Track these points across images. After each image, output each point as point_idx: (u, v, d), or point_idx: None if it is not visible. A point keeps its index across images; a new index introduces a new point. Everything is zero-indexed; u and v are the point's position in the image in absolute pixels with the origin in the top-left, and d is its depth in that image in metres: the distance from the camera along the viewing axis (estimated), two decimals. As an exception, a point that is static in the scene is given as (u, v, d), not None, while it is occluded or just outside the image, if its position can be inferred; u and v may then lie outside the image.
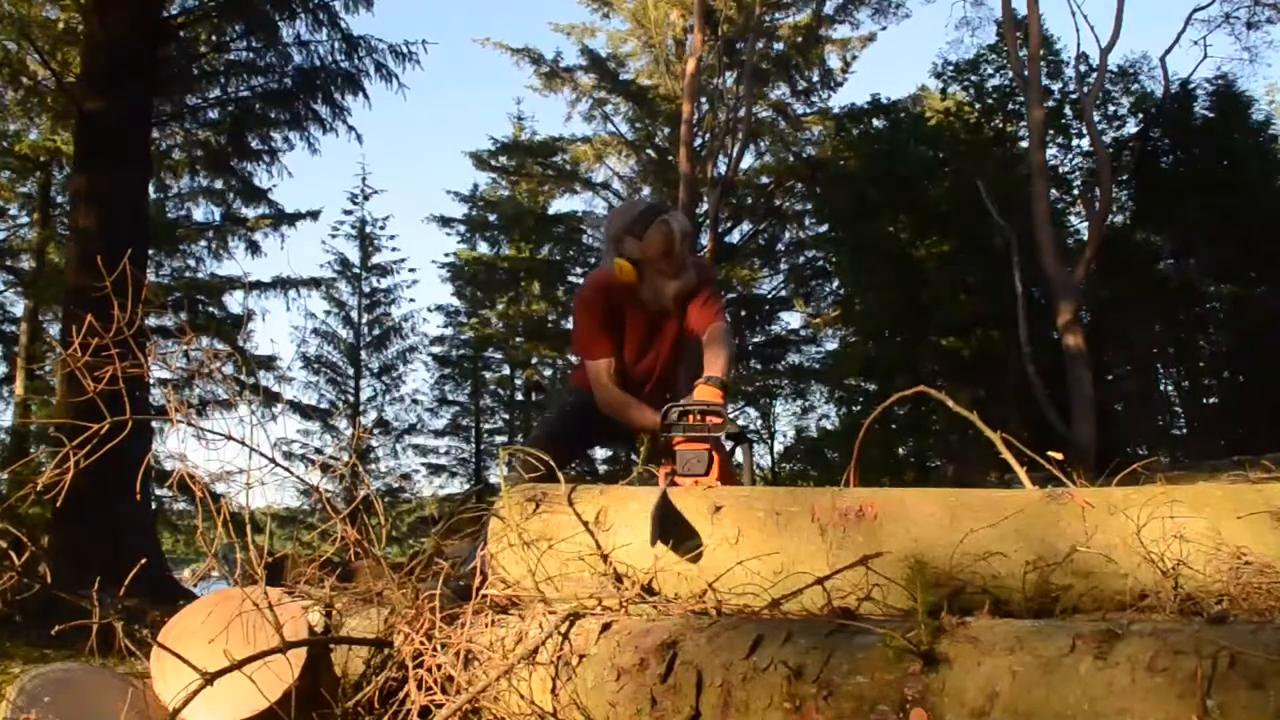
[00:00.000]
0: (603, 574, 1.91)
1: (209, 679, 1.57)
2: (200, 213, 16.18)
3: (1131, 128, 18.61)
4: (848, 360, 17.83)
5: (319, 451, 21.58)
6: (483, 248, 23.37)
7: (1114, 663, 1.09)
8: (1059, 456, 2.02)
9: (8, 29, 10.31)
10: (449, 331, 23.86)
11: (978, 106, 18.06)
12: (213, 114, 11.58)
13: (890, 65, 54.37)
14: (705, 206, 19.66)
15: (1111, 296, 17.56)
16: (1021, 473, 2.09)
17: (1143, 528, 1.67)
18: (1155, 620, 1.49)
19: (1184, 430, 19.12)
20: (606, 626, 1.60)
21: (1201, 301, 18.45)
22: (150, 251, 13.05)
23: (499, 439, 23.60)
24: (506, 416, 24.03)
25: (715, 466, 2.45)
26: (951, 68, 18.40)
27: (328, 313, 22.09)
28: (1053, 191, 16.54)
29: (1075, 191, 18.87)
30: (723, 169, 19.96)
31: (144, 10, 8.67)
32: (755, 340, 23.59)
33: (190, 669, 1.58)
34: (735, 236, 22.34)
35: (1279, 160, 17.78)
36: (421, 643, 1.74)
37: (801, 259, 22.80)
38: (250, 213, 15.92)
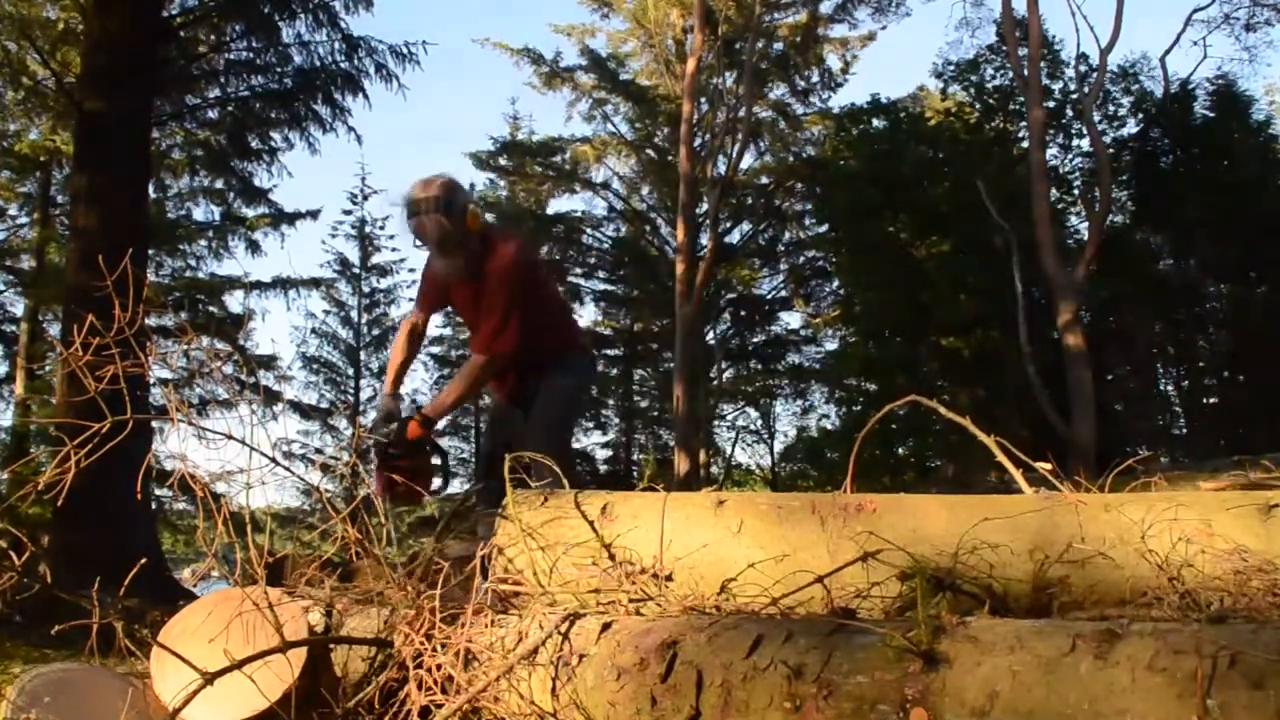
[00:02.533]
0: (605, 569, 1.92)
1: (209, 679, 1.57)
2: (200, 213, 16.19)
3: (1131, 128, 18.64)
4: (848, 360, 17.82)
5: (319, 451, 21.60)
6: (482, 248, 23.35)
7: (1114, 662, 1.09)
8: (1048, 466, 2.04)
9: (8, 29, 10.31)
10: (449, 331, 23.88)
11: (978, 106, 18.06)
12: (213, 114, 11.57)
13: (890, 65, 54.33)
14: (705, 206, 19.66)
15: (1111, 296, 17.56)
16: (1018, 475, 2.10)
17: (1139, 524, 1.67)
18: (1155, 619, 1.49)
19: (1184, 430, 19.12)
20: (606, 626, 1.60)
21: (1201, 301, 18.45)
22: (150, 251, 13.06)
23: (499, 439, 23.56)
24: (506, 417, 23.99)
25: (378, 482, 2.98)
26: (951, 68, 18.42)
27: (327, 313, 22.12)
28: (1053, 191, 16.54)
29: (1075, 191, 18.87)
30: (723, 169, 19.96)
31: (144, 10, 8.67)
32: (755, 340, 23.60)
33: (190, 669, 1.58)
34: (735, 236, 22.36)
35: (1279, 160, 17.77)
36: (421, 643, 1.74)
37: (801, 259, 22.80)
38: (250, 212, 15.91)
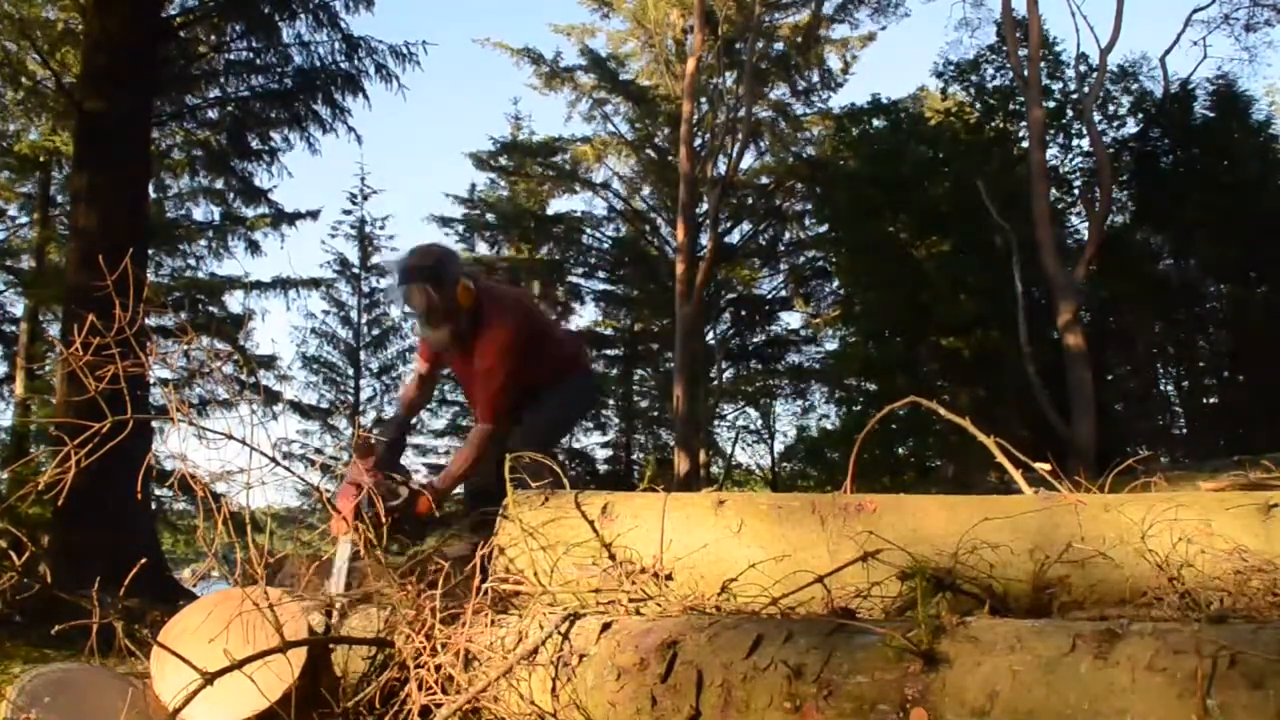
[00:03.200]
0: (605, 569, 1.92)
1: (209, 679, 1.57)
2: (200, 213, 16.17)
3: (1131, 128, 18.64)
4: (848, 360, 17.82)
5: (319, 451, 21.60)
6: (482, 248, 23.37)
7: (1114, 662, 1.09)
8: (1047, 467, 2.04)
9: (8, 29, 10.31)
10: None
11: (978, 106, 18.05)
12: (213, 114, 11.57)
13: (890, 65, 54.36)
14: (705, 206, 19.66)
15: (1111, 296, 17.56)
16: (1017, 476, 2.10)
17: (1139, 524, 1.67)
18: (1155, 619, 1.49)
19: (1184, 430, 19.12)
20: (607, 626, 1.60)
21: (1201, 301, 18.45)
22: (150, 251, 13.05)
23: (499, 439, 23.57)
24: (506, 416, 23.99)
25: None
26: (952, 68, 18.41)
27: (327, 313, 22.09)
28: (1053, 191, 16.54)
29: (1075, 191, 18.88)
30: (723, 169, 19.95)
31: (144, 10, 8.67)
32: (755, 340, 23.59)
33: (190, 669, 1.58)
34: (735, 236, 22.34)
35: (1279, 160, 17.77)
36: (421, 642, 1.74)
37: (801, 259, 22.79)
38: (250, 212, 15.90)
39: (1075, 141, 18.41)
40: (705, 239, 19.37)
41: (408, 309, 3.07)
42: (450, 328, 3.04)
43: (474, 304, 3.07)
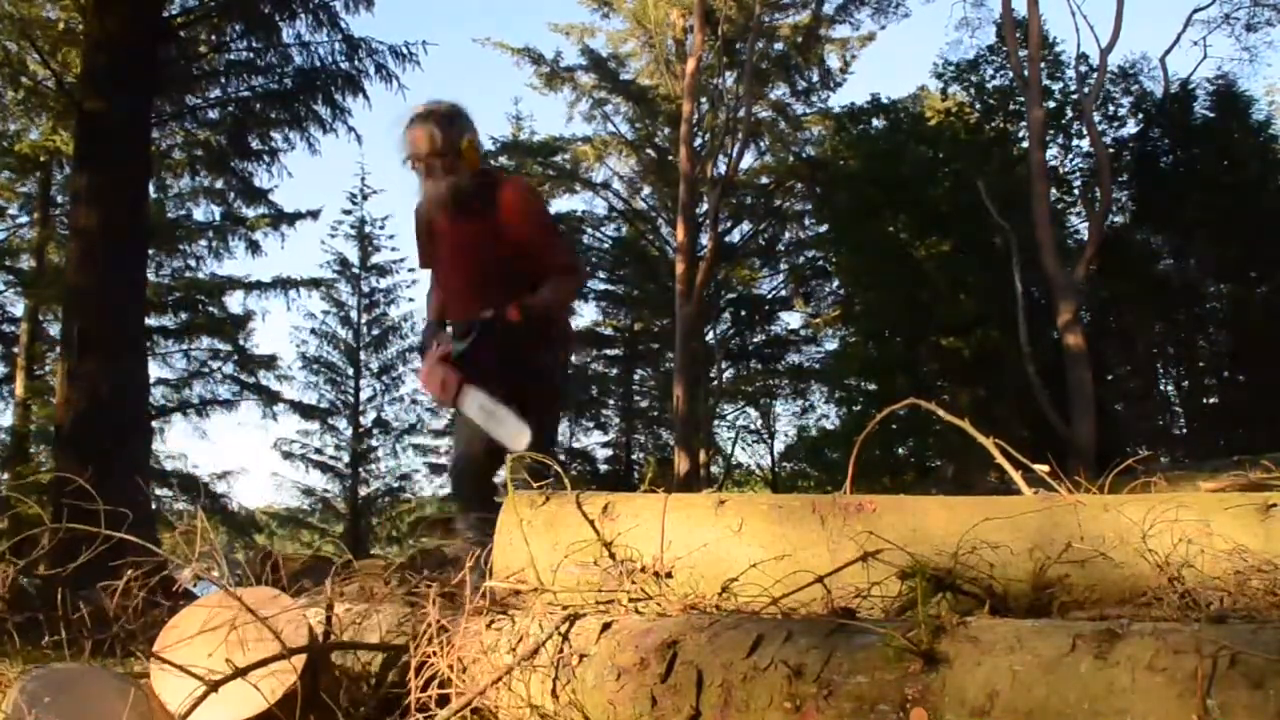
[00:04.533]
0: (606, 568, 1.92)
1: (212, 686, 1.57)
2: (200, 213, 16.21)
3: (1131, 128, 18.64)
4: (848, 360, 17.83)
5: (319, 451, 21.59)
6: (482, 248, 23.36)
7: (1114, 662, 1.09)
8: (1046, 469, 2.04)
9: (8, 29, 10.31)
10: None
11: (978, 107, 18.05)
12: (213, 114, 11.58)
13: (890, 65, 54.34)
14: (705, 206, 19.66)
15: (1111, 296, 17.56)
16: (1017, 477, 2.10)
17: (1139, 524, 1.67)
18: (1155, 619, 1.49)
19: (1184, 430, 19.11)
20: (607, 626, 1.60)
21: (1201, 301, 18.44)
22: (150, 251, 13.05)
23: (499, 439, 23.55)
24: (506, 416, 23.97)
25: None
26: (952, 68, 18.42)
27: (327, 313, 22.09)
28: (1053, 191, 16.54)
29: (1075, 191, 18.88)
30: (723, 169, 19.96)
31: (144, 10, 8.67)
32: (755, 340, 23.59)
33: (191, 677, 1.58)
34: (735, 236, 22.36)
35: (1279, 160, 17.77)
36: (422, 644, 1.74)
37: (801, 259, 22.80)
38: (250, 212, 15.92)
39: (1075, 141, 18.45)
40: (705, 239, 19.37)
41: (409, 155, 2.81)
42: (454, 182, 2.81)
43: (479, 168, 2.89)
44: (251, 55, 10.83)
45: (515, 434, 2.59)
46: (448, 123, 2.80)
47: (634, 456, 23.43)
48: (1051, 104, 16.84)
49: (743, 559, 1.85)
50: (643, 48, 21.57)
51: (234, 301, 18.25)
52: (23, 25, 10.33)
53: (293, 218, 16.63)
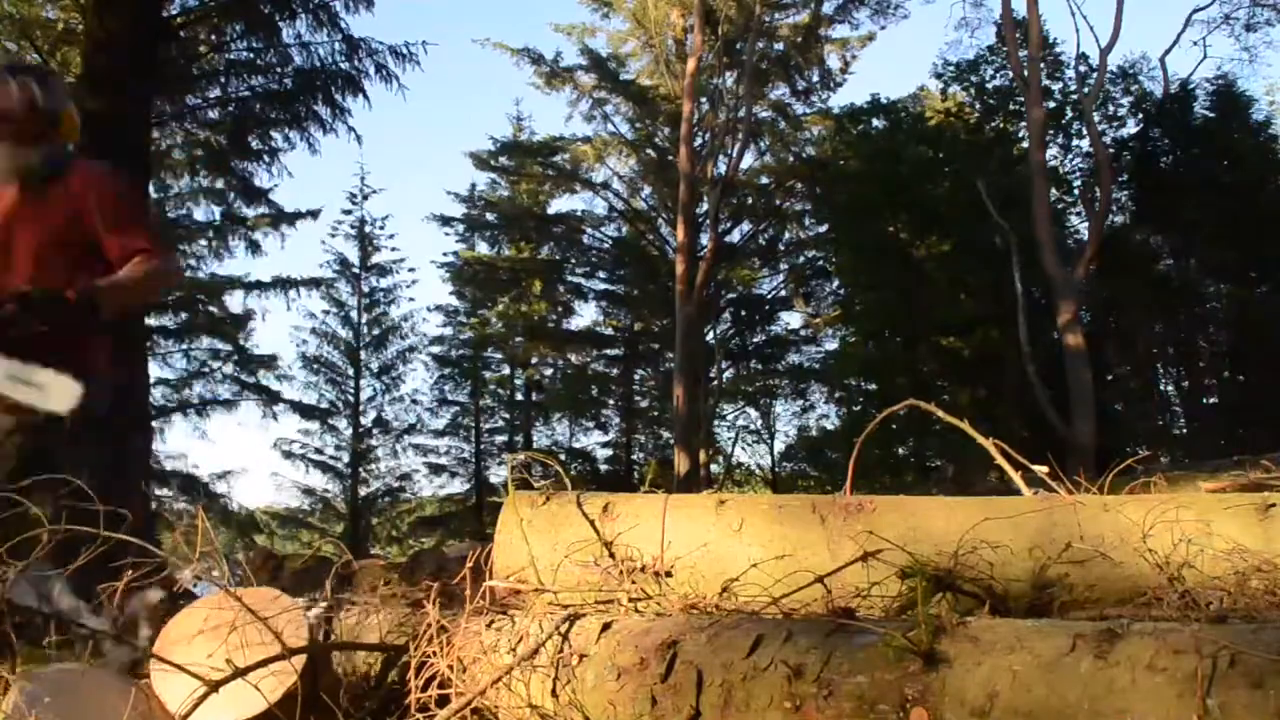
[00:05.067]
0: (606, 568, 1.92)
1: (213, 687, 1.57)
2: (200, 213, 16.21)
3: (1131, 128, 18.66)
4: (848, 360, 17.84)
5: (319, 451, 21.61)
6: (482, 248, 23.39)
7: (1114, 662, 1.09)
8: (1045, 469, 2.04)
9: (8, 29, 10.31)
10: (449, 331, 23.87)
11: (978, 106, 18.07)
12: (213, 114, 11.58)
13: (890, 65, 54.36)
14: (705, 206, 19.66)
15: (1111, 296, 17.57)
16: (1017, 478, 2.10)
17: (1139, 524, 1.67)
18: (1155, 619, 1.49)
19: (1184, 430, 19.13)
20: (607, 626, 1.60)
21: (1201, 301, 18.46)
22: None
23: (499, 439, 23.64)
24: (506, 416, 24.06)
25: None
26: (951, 68, 18.44)
27: (327, 312, 22.11)
28: (1053, 191, 16.55)
29: (1075, 191, 18.89)
30: (723, 169, 19.97)
31: (144, 10, 8.67)
32: (755, 340, 23.60)
33: (192, 677, 1.58)
34: (735, 236, 22.36)
35: (1279, 160, 17.78)
36: (422, 644, 1.74)
37: (801, 259, 22.82)
38: (250, 212, 15.92)
39: (1075, 141, 18.47)
40: (705, 239, 19.38)
41: None
42: (45, 151, 2.54)
43: (69, 149, 2.65)
44: (251, 55, 10.83)
45: (63, 393, 2.32)
46: (49, 85, 2.57)
47: (634, 456, 23.44)
48: (1051, 104, 16.86)
49: (743, 559, 1.85)
50: (643, 48, 21.58)
51: (234, 301, 18.28)
52: (23, 25, 10.34)
53: (293, 217, 16.65)
